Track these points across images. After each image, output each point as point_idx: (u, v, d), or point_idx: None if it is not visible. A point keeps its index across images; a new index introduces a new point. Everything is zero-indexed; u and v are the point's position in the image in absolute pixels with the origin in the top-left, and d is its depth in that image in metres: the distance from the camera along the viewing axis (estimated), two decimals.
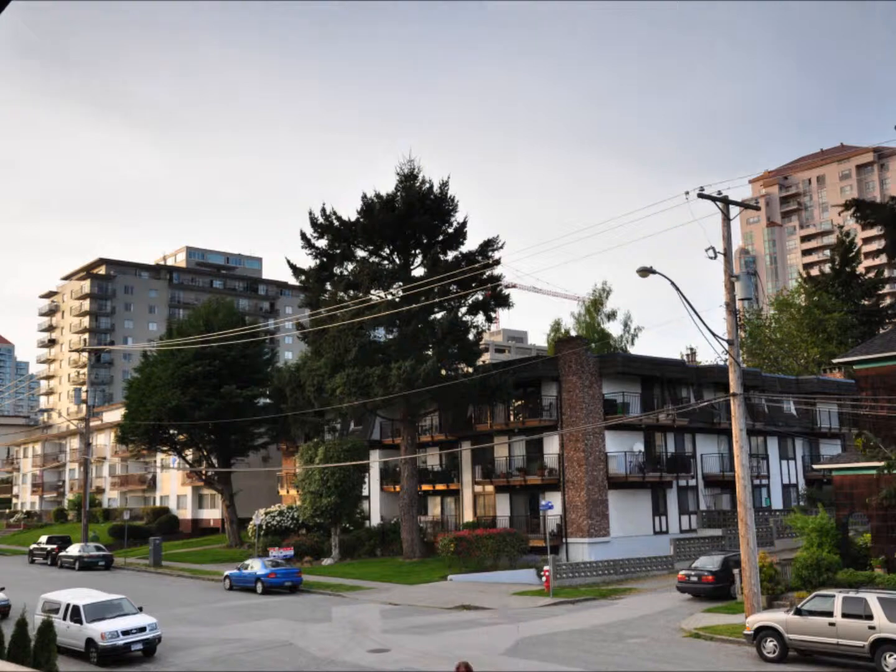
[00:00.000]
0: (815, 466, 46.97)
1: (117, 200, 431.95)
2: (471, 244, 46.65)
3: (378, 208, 43.72)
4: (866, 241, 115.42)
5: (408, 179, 44.59)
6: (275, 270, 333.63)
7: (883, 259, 76.48)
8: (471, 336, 44.93)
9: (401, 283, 44.05)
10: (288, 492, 57.42)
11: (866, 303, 70.73)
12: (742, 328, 66.96)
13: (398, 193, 44.30)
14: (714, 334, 24.09)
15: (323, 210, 45.44)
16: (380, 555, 47.46)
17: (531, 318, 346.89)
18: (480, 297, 45.05)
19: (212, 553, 55.13)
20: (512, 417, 44.71)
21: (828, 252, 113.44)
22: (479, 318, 45.70)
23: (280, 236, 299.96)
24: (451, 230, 45.15)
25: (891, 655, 19.16)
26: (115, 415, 72.23)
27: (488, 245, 44.84)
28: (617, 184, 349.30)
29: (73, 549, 51.78)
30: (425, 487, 48.78)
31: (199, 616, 30.94)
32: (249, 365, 57.27)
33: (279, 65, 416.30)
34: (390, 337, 46.12)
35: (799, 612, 21.20)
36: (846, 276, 71.67)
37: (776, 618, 21.68)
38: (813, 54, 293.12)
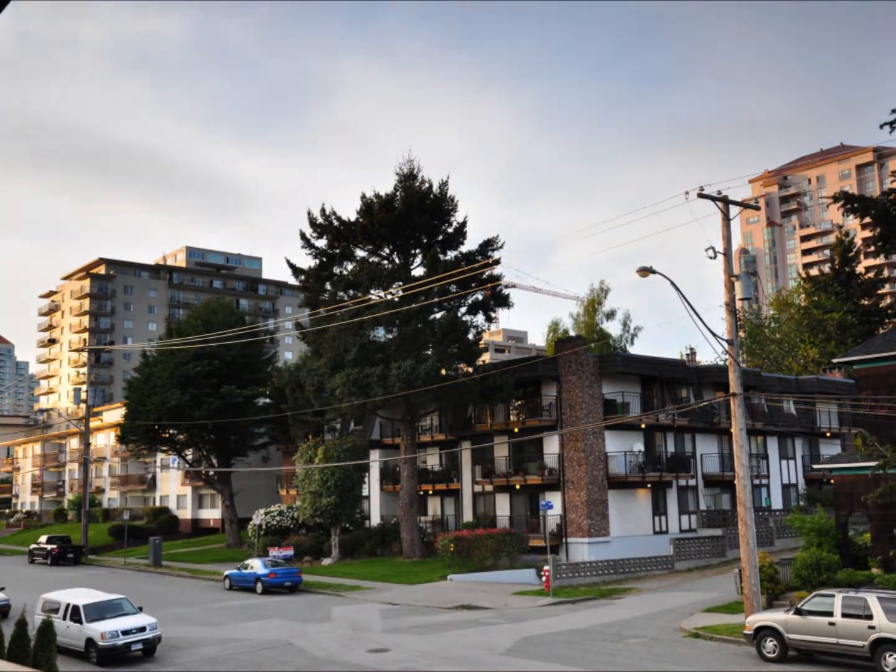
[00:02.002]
0: (814, 466, 47.02)
1: (117, 200, 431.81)
2: (470, 244, 46.71)
3: (377, 208, 43.71)
4: (866, 240, 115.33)
5: (407, 179, 44.58)
6: (275, 270, 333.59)
7: (881, 258, 76.48)
8: (471, 336, 44.91)
9: (400, 283, 44.04)
10: (288, 492, 57.41)
11: (866, 303, 70.76)
12: (742, 328, 66.95)
13: (397, 193, 44.29)
14: (714, 334, 24.08)
15: (322, 210, 45.47)
16: (380, 555, 47.45)
17: (531, 318, 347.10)
18: (480, 297, 45.04)
19: (212, 553, 55.10)
20: (512, 417, 44.70)
21: (827, 252, 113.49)
22: (479, 318, 45.73)
23: (280, 236, 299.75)
24: (450, 230, 45.15)
25: (891, 655, 19.16)
26: (115, 415, 72.19)
27: (488, 245, 44.84)
28: (616, 183, 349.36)
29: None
30: (425, 487, 48.77)
31: (199, 616, 30.94)
32: (249, 365, 57.23)
33: (280, 64, 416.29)
34: (390, 337, 46.10)
35: (799, 611, 21.20)
36: (846, 276, 71.72)
37: (776, 618, 21.68)
38: (813, 54, 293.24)
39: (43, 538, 57.22)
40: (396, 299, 42.89)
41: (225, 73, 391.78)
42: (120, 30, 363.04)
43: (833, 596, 20.87)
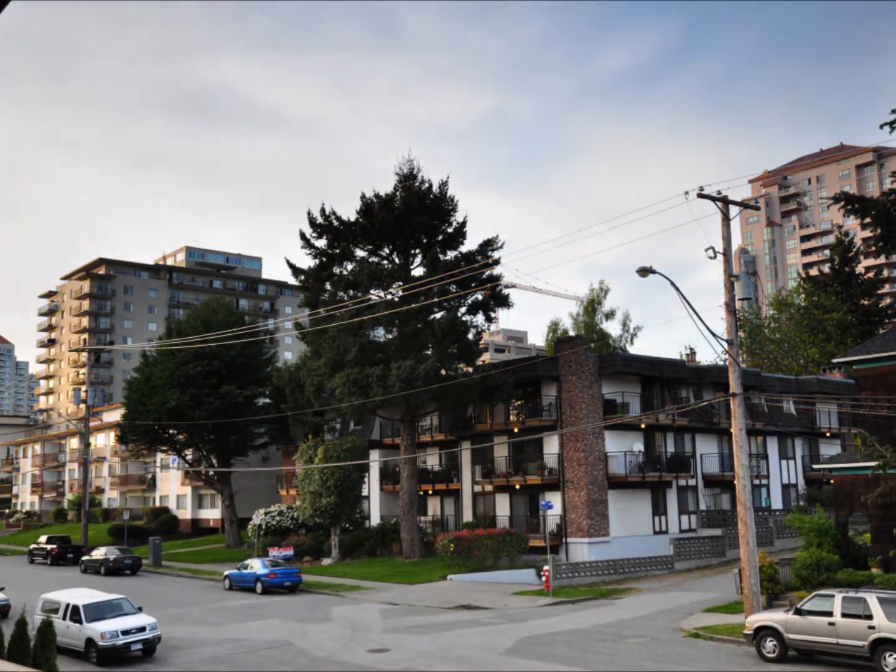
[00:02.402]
0: (814, 466, 47.00)
1: (117, 199, 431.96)
2: (470, 244, 46.70)
3: (377, 208, 43.70)
4: (866, 241, 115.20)
5: (407, 179, 44.56)
6: (275, 270, 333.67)
7: (881, 258, 76.50)
8: (470, 336, 44.90)
9: (400, 283, 44.04)
10: (288, 492, 57.41)
11: (865, 303, 70.74)
12: (742, 328, 66.92)
13: (397, 193, 44.27)
14: (714, 334, 24.09)
15: (322, 210, 45.44)
16: (380, 555, 47.44)
17: (531, 318, 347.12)
18: (480, 297, 45.03)
19: (211, 553, 55.10)
20: (512, 417, 44.68)
21: (827, 252, 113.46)
22: (479, 318, 45.71)
23: (280, 236, 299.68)
24: (450, 230, 45.14)
25: (890, 655, 19.16)
26: (114, 415, 72.19)
27: (488, 245, 44.82)
28: (616, 183, 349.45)
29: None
30: (425, 487, 48.76)
31: (199, 616, 30.93)
32: (249, 365, 57.23)
33: (279, 63, 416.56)
34: (390, 337, 46.10)
35: (799, 611, 21.20)
36: (845, 276, 71.72)
37: (776, 618, 21.68)
38: (813, 53, 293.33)
39: (43, 538, 57.22)
40: (396, 299, 42.89)
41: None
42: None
43: (833, 596, 20.87)
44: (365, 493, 51.03)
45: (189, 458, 61.31)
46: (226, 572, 39.97)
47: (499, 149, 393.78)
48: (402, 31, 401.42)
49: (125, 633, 23.17)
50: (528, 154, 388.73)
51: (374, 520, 52.11)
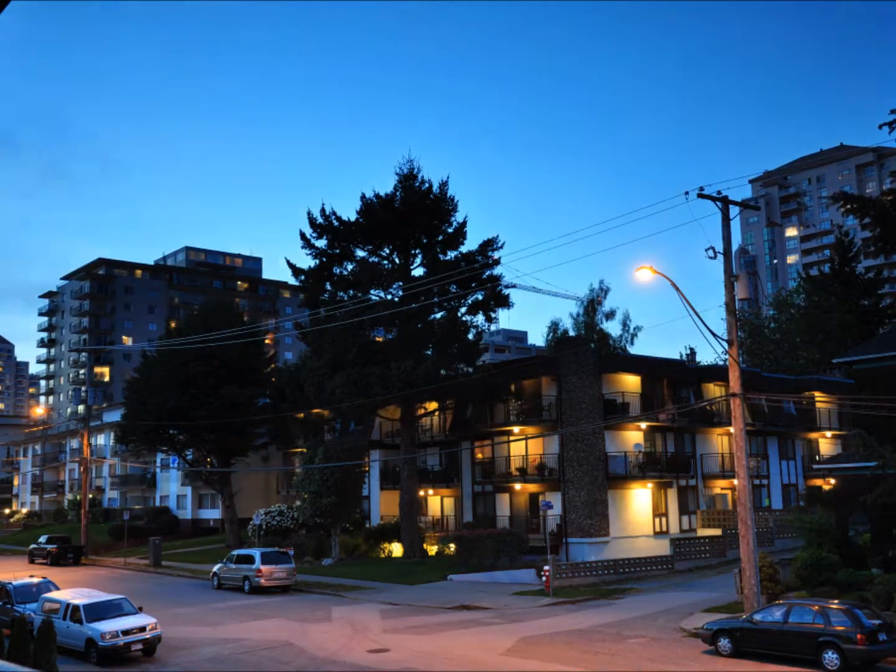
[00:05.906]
0: (814, 466, 47.02)
1: (117, 199, 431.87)
2: (471, 244, 46.66)
3: (377, 208, 43.70)
4: (866, 241, 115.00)
5: (407, 179, 44.55)
6: (275, 270, 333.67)
7: (881, 258, 76.44)
8: (470, 336, 44.89)
9: (400, 283, 44.06)
10: (288, 492, 57.36)
11: (865, 303, 70.66)
12: (742, 328, 66.88)
13: (397, 193, 44.28)
14: (714, 334, 24.12)
15: (322, 210, 45.44)
16: (380, 555, 47.42)
17: (531, 318, 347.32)
18: (480, 297, 45.01)
19: (212, 553, 55.01)
20: (512, 417, 44.68)
21: (827, 252, 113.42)
22: (479, 318, 45.73)
23: (280, 236, 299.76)
24: (450, 230, 45.13)
25: None
26: (115, 415, 72.17)
27: (488, 245, 44.80)
28: (617, 184, 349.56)
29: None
30: (425, 487, 48.75)
31: (199, 616, 30.93)
32: (249, 365, 57.14)
33: (279, 62, 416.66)
34: (390, 337, 46.08)
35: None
36: (845, 276, 71.61)
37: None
38: (813, 53, 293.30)
39: (43, 538, 57.19)
40: (396, 299, 42.91)
41: None
42: None
43: None
44: (365, 493, 51.02)
45: (189, 458, 61.29)
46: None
47: (499, 147, 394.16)
48: (400, 31, 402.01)
49: (125, 633, 23.17)
50: (527, 152, 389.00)
51: (374, 520, 52.09)
